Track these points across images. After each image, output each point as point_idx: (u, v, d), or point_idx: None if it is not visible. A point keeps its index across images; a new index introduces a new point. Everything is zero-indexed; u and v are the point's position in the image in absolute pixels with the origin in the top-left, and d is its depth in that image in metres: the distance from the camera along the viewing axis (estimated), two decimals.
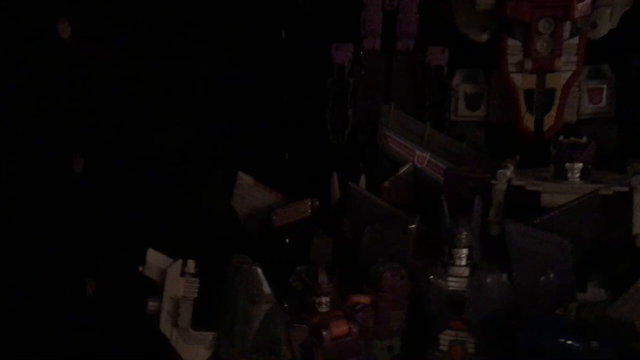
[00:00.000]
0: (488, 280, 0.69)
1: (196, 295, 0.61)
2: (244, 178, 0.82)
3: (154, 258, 0.60)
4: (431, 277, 0.70)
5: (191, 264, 0.61)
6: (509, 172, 0.80)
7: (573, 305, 0.68)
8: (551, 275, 0.69)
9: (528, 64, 0.89)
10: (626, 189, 0.75)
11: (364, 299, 0.68)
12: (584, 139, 0.81)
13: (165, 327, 0.60)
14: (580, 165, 0.77)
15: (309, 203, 0.82)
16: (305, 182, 0.89)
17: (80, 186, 0.76)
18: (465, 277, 0.70)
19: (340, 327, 0.64)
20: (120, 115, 0.82)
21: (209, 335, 0.62)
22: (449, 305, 0.70)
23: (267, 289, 0.63)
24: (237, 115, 1.04)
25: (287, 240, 0.82)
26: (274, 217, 0.80)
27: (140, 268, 0.60)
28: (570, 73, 0.90)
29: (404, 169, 0.89)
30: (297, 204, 0.82)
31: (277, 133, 1.03)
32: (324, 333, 0.63)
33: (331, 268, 0.68)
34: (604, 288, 0.74)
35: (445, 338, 0.72)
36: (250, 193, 0.83)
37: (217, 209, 0.86)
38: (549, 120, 0.91)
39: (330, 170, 0.86)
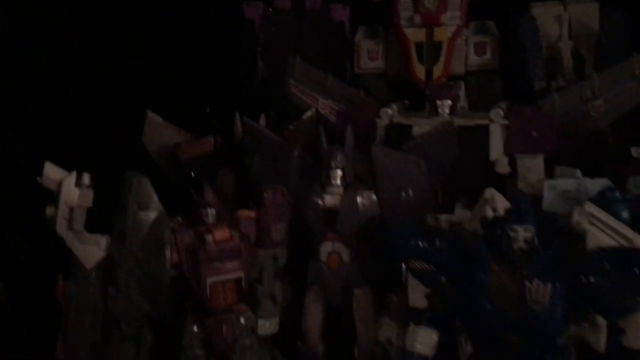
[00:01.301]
0: (357, 196, 0.80)
1: (90, 205, 0.71)
2: (152, 117, 0.92)
3: (52, 171, 0.70)
4: (310, 195, 0.81)
5: (86, 176, 0.71)
6: (390, 111, 0.92)
7: (430, 216, 0.79)
8: (410, 192, 0.80)
9: (417, 19, 1.01)
10: (486, 121, 0.88)
11: (248, 214, 0.78)
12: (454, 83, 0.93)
13: (61, 229, 0.69)
14: (448, 102, 0.89)
15: (212, 140, 0.92)
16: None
17: None
18: (339, 194, 0.81)
19: (222, 233, 0.74)
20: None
21: (103, 239, 0.71)
22: (325, 219, 0.81)
23: (155, 197, 0.73)
24: (160, 70, 1.13)
25: (192, 173, 0.92)
26: (179, 152, 0.90)
27: (39, 179, 0.69)
28: (455, 27, 1.02)
29: (307, 114, 0.99)
30: (200, 140, 0.92)
31: (196, 87, 1.12)
32: (207, 236, 0.73)
33: (218, 187, 0.78)
34: (468, 209, 0.85)
35: (324, 250, 0.83)
36: (159, 131, 0.92)
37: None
38: (437, 70, 1.02)
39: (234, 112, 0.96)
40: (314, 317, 0.86)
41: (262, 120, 0.95)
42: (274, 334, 0.83)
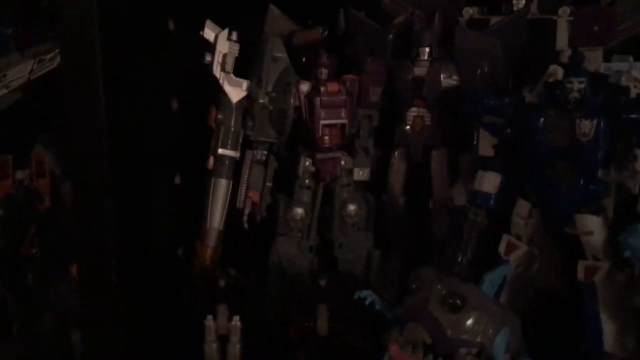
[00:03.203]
0: (441, 68, 1.01)
1: (237, 54, 0.95)
2: (273, 9, 1.16)
3: (210, 27, 0.94)
4: (401, 67, 1.03)
5: (234, 33, 0.95)
6: (471, 10, 1.12)
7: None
8: (485, 68, 1.00)
9: None
10: (554, 16, 1.06)
11: (352, 77, 1.01)
12: None
13: (216, 71, 0.94)
14: (523, 1, 1.08)
15: (320, 30, 1.14)
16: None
17: None
18: (426, 67, 1.02)
19: (333, 86, 0.98)
20: None
21: (245, 81, 0.96)
22: (413, 88, 1.02)
23: (285, 53, 0.97)
24: None
25: (303, 58, 1.15)
26: (293, 38, 1.13)
27: (201, 32, 0.94)
28: None
29: (399, 19, 1.19)
30: (311, 29, 1.15)
31: None
32: (322, 88, 0.97)
33: (330, 51, 1.00)
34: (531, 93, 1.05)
35: (410, 114, 1.04)
36: (277, 22, 1.16)
37: None
38: None
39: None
40: (398, 173, 1.08)
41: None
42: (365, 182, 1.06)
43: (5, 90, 1.24)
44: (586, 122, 0.85)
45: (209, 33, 0.94)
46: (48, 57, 1.24)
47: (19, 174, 1.24)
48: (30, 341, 1.15)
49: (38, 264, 1.23)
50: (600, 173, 0.87)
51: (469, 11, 1.12)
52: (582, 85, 0.86)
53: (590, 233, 0.87)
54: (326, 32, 1.16)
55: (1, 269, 1.23)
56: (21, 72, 1.24)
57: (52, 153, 1.27)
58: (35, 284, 1.23)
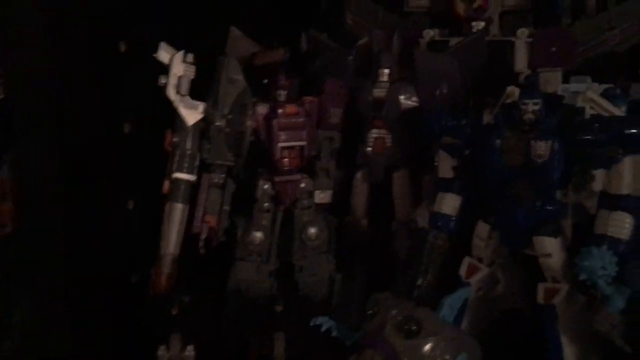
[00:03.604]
0: (400, 90, 1.01)
1: (193, 77, 0.94)
2: (234, 31, 1.15)
3: (165, 49, 0.93)
4: (362, 88, 1.02)
5: (190, 55, 0.94)
6: (432, 32, 1.12)
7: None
8: (444, 89, 1.00)
9: None
10: (513, 38, 1.07)
11: (311, 98, 1.00)
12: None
13: (171, 93, 0.93)
14: (482, 23, 1.09)
15: (282, 51, 1.14)
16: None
17: None
18: (386, 88, 1.02)
19: (291, 108, 0.97)
20: None
21: (200, 104, 0.95)
22: (373, 108, 1.02)
23: (241, 75, 0.97)
24: None
25: (264, 80, 1.14)
26: (255, 59, 1.12)
27: (154, 55, 0.92)
28: None
29: (362, 41, 1.19)
30: (273, 50, 1.14)
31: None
32: (280, 110, 0.96)
33: (290, 73, 1.00)
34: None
35: (371, 135, 1.04)
36: (238, 42, 1.15)
37: None
38: (476, 6, 1.21)
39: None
40: (360, 194, 1.07)
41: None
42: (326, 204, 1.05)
43: None
44: (541, 143, 0.85)
45: (163, 55, 0.93)
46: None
47: None
48: None
49: None
50: (557, 194, 0.87)
51: (430, 33, 1.13)
52: (537, 107, 0.86)
53: (549, 255, 0.86)
54: (288, 54, 1.15)
55: None
56: None
57: (17, 176, 1.25)
58: None
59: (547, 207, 0.87)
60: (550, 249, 0.86)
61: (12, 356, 1.09)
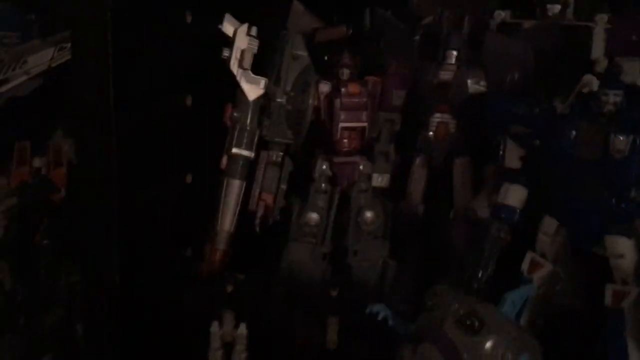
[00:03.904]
0: (468, 73, 0.97)
1: (256, 51, 0.91)
2: (296, 5, 1.12)
3: (230, 21, 0.91)
4: (427, 70, 0.98)
5: (254, 28, 0.92)
6: (502, 13, 1.06)
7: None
8: (515, 75, 0.95)
9: None
10: (591, 23, 1.00)
11: (375, 78, 0.97)
12: None
13: (234, 67, 0.90)
14: (558, 6, 1.03)
15: (345, 28, 1.10)
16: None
17: None
18: (453, 71, 0.97)
19: (354, 87, 0.94)
20: None
21: (263, 79, 0.92)
22: (438, 92, 0.98)
23: (305, 51, 0.94)
24: None
25: (325, 57, 1.11)
26: (316, 35, 1.09)
27: (219, 26, 0.90)
28: None
29: (427, 20, 1.15)
30: (334, 27, 1.11)
31: None
32: (343, 89, 0.93)
33: (354, 51, 0.96)
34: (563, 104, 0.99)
35: (434, 120, 1.00)
36: (300, 18, 1.12)
37: None
38: None
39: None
40: (418, 180, 1.04)
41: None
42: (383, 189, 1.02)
43: (25, 77, 1.22)
44: (621, 137, 0.80)
45: (227, 27, 0.91)
46: (69, 45, 1.22)
47: (37, 162, 1.23)
48: (36, 334, 1.14)
49: (49, 256, 1.21)
50: (633, 192, 0.82)
51: (501, 14, 1.07)
52: (618, 98, 0.81)
53: (621, 256, 0.82)
54: (351, 31, 1.12)
55: (12, 259, 1.23)
56: (42, 59, 1.22)
57: (71, 142, 1.26)
58: (46, 275, 1.21)
59: (622, 206, 0.82)
60: (624, 249, 0.82)
61: (59, 324, 1.11)
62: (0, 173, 1.23)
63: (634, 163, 0.80)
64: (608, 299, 0.83)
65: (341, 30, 1.11)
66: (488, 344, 0.72)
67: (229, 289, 0.84)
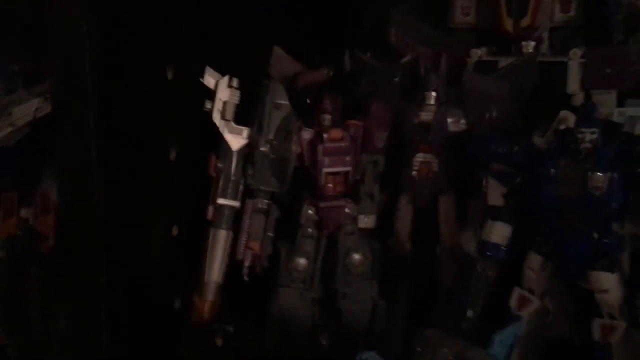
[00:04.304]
0: (448, 113, 0.98)
1: (237, 102, 0.93)
2: (277, 50, 1.14)
3: (211, 74, 0.92)
4: (407, 112, 1.00)
5: (235, 80, 0.93)
6: (479, 51, 1.09)
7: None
8: (494, 112, 0.97)
9: None
10: (565, 58, 1.03)
11: (356, 122, 0.98)
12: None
13: (217, 119, 0.92)
14: (532, 43, 1.05)
15: (325, 71, 1.12)
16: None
17: None
18: (432, 112, 0.99)
19: (336, 133, 0.95)
20: None
21: (245, 129, 0.94)
22: (420, 131, 0.99)
23: (286, 99, 0.95)
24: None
25: (307, 100, 1.12)
26: (298, 80, 1.11)
27: (202, 79, 0.92)
28: None
29: (406, 58, 1.17)
30: (315, 71, 1.12)
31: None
32: (325, 135, 0.94)
33: (335, 96, 0.98)
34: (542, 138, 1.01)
35: (417, 160, 1.01)
36: (281, 62, 1.14)
37: None
38: (525, 22, 1.18)
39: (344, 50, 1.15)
40: (404, 218, 1.05)
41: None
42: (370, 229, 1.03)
43: (10, 128, 1.23)
44: (599, 174, 0.81)
45: (209, 80, 0.92)
46: None
47: (24, 212, 1.22)
48: None
49: (38, 305, 1.21)
50: (614, 226, 0.83)
51: (477, 52, 1.09)
52: (594, 136, 0.82)
53: (606, 291, 0.83)
54: (332, 73, 1.13)
55: (1, 313, 1.22)
56: (27, 110, 1.23)
57: (59, 195, 1.26)
58: (36, 326, 1.20)
59: (604, 240, 0.83)
60: (607, 284, 0.83)
61: None
62: None
63: (613, 198, 0.81)
64: (596, 334, 0.84)
65: (322, 74, 1.13)
66: None
67: (219, 342, 0.84)
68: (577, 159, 0.83)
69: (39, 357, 1.17)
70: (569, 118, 0.93)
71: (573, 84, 1.03)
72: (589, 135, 0.83)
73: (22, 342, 1.19)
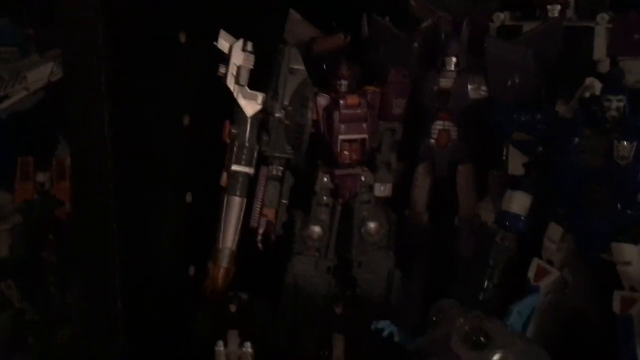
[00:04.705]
0: (468, 79, 0.95)
1: (252, 66, 0.91)
2: (293, 15, 1.11)
3: (225, 37, 0.90)
4: (427, 78, 0.97)
5: (249, 44, 0.91)
6: (502, 15, 1.05)
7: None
8: (516, 79, 0.94)
9: None
10: (592, 24, 0.99)
11: (374, 88, 0.96)
12: None
13: (231, 84, 0.90)
14: (558, 6, 1.01)
15: (342, 36, 1.09)
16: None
17: None
18: (452, 78, 0.96)
19: (352, 99, 0.93)
20: None
21: (260, 95, 0.92)
22: (439, 98, 0.97)
23: (302, 65, 0.93)
24: None
25: (324, 66, 1.10)
26: (313, 45, 1.08)
27: (215, 43, 0.90)
28: None
29: (425, 24, 1.13)
30: (332, 36, 1.09)
31: None
32: (341, 101, 0.92)
33: (351, 62, 0.95)
34: (566, 106, 0.98)
35: (435, 127, 0.99)
36: (297, 27, 1.11)
37: None
38: None
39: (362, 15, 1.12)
40: (421, 188, 1.03)
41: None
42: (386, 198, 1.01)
43: (25, 92, 1.23)
44: (625, 143, 0.78)
45: (223, 44, 0.90)
46: None
47: (40, 177, 1.23)
48: (46, 353, 1.14)
49: (56, 271, 1.22)
50: (638, 198, 0.81)
51: (500, 17, 1.06)
52: (621, 104, 0.79)
53: (628, 263, 0.81)
54: (348, 39, 1.10)
55: (19, 277, 1.23)
56: (41, 74, 1.22)
57: (72, 160, 1.25)
58: (54, 292, 1.22)
59: (628, 212, 0.81)
60: (630, 256, 0.80)
61: (70, 342, 1.11)
62: (4, 189, 1.24)
63: (638, 169, 0.78)
64: (617, 306, 0.82)
65: (339, 39, 1.10)
66: (495, 359, 0.71)
67: (233, 308, 0.84)
68: (602, 128, 0.81)
69: (57, 322, 1.19)
70: (594, 85, 0.90)
71: (599, 50, 0.99)
72: (616, 103, 0.80)
73: (41, 307, 1.21)
